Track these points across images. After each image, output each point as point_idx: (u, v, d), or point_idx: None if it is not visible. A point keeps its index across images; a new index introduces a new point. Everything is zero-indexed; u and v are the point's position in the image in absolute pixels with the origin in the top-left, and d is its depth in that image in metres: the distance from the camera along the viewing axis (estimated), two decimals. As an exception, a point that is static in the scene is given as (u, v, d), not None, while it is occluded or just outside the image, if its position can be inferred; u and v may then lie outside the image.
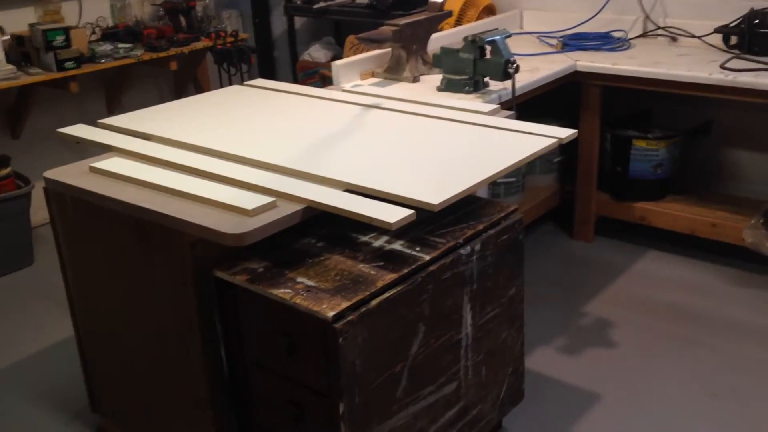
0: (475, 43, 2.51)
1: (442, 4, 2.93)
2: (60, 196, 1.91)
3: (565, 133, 2.02)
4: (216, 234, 1.57)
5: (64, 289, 2.07)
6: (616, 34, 3.29)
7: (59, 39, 3.36)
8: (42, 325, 2.91)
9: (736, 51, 2.95)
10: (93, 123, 2.23)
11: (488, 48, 2.53)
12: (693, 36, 3.16)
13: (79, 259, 1.98)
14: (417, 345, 1.66)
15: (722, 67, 2.78)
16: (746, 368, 2.48)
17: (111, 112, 3.94)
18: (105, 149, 2.06)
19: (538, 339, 2.63)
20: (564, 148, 2.01)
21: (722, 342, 2.62)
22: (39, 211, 3.43)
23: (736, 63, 2.80)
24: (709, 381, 2.43)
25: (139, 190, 1.77)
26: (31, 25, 3.43)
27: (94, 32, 3.78)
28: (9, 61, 3.37)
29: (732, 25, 2.98)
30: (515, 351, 2.01)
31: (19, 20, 3.53)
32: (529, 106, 2.70)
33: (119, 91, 3.97)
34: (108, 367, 2.07)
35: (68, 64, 3.39)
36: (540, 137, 2.01)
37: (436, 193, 1.64)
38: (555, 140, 1.98)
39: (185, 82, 4.29)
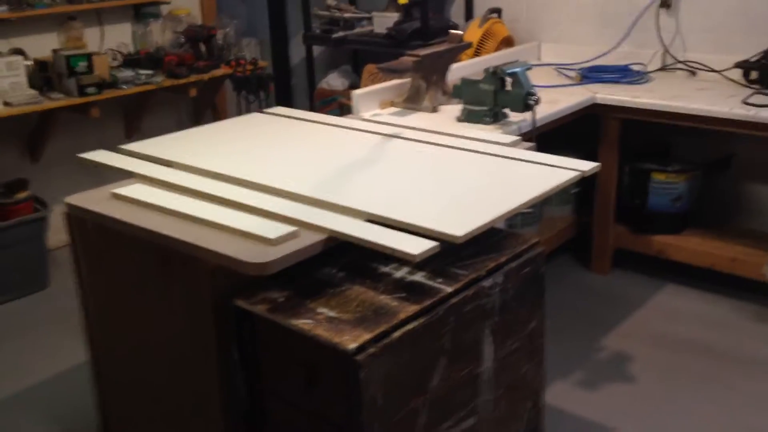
0: (496, 75, 2.52)
1: (461, 35, 2.95)
2: (81, 221, 1.91)
3: (588, 165, 2.01)
4: (237, 263, 1.56)
5: (79, 313, 2.06)
6: (635, 68, 3.30)
7: (82, 65, 3.40)
8: (55, 349, 2.90)
9: (757, 86, 2.94)
10: (112, 147, 2.24)
11: (509, 80, 2.54)
12: (712, 70, 3.16)
13: (98, 285, 1.97)
14: (437, 378, 1.63)
15: (744, 102, 2.77)
16: (767, 407, 2.44)
17: (129, 137, 3.97)
18: (125, 175, 2.06)
19: (555, 372, 2.59)
20: (581, 180, 2.00)
21: (743, 380, 2.58)
22: (55, 235, 3.45)
23: (757, 98, 2.79)
24: (729, 420, 2.39)
25: (160, 217, 1.77)
26: (54, 51, 3.47)
27: (115, 58, 3.82)
28: (31, 85, 3.41)
29: (752, 60, 2.98)
30: (535, 385, 1.98)
31: (42, 46, 3.57)
32: (547, 138, 2.69)
33: (138, 116, 4.00)
34: (121, 394, 2.05)
35: (90, 90, 3.42)
36: (562, 170, 1.99)
37: (460, 224, 1.63)
38: (578, 173, 1.97)
39: (204, 108, 4.32)
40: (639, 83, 3.18)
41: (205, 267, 1.62)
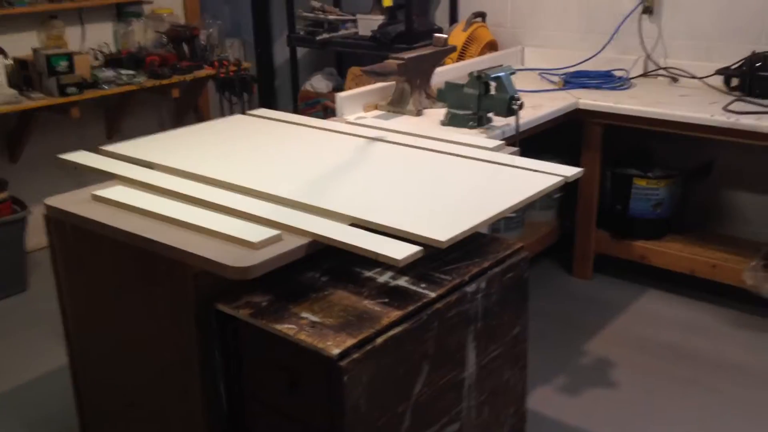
0: (480, 79, 2.52)
1: (446, 39, 2.95)
2: (60, 223, 1.88)
3: (571, 171, 2.01)
4: (220, 267, 1.55)
5: (59, 316, 2.03)
6: (618, 73, 3.32)
7: (62, 64, 3.36)
8: (34, 353, 2.86)
9: (738, 93, 2.97)
10: (92, 148, 2.21)
11: (493, 84, 2.54)
12: (694, 77, 3.19)
13: (78, 288, 1.95)
14: (421, 384, 1.63)
15: (725, 109, 2.79)
16: (747, 411, 2.45)
17: (110, 138, 3.93)
18: (106, 177, 2.04)
19: (538, 378, 2.60)
20: (564, 185, 2.00)
21: (723, 384, 2.59)
22: (34, 237, 3.40)
23: (737, 105, 2.82)
24: (710, 424, 2.40)
25: (141, 220, 1.75)
26: (35, 50, 3.43)
27: (97, 58, 3.78)
28: (11, 85, 3.36)
29: (733, 67, 3.00)
30: (518, 391, 1.98)
31: (23, 44, 3.53)
32: (529, 142, 2.70)
33: (119, 117, 3.96)
34: (102, 398, 2.03)
35: (70, 90, 3.38)
36: (545, 175, 2.00)
37: (444, 229, 1.63)
38: (561, 178, 1.97)
39: (186, 109, 4.29)
40: (621, 89, 3.20)
41: (187, 271, 1.60)
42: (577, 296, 3.24)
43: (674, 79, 3.27)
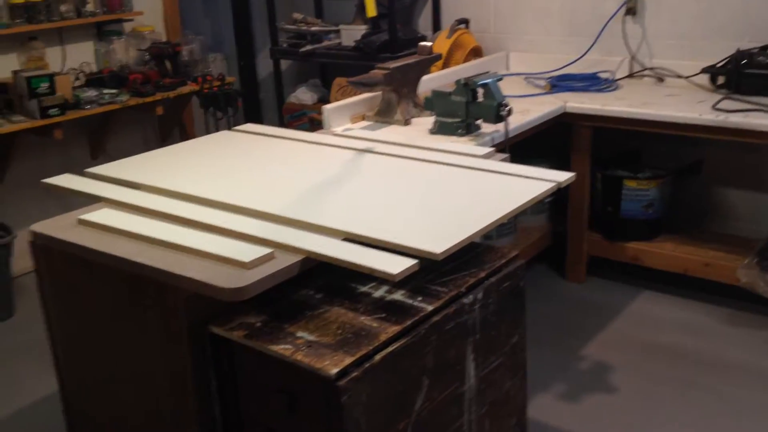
0: (467, 87, 2.50)
1: (431, 47, 2.93)
2: (47, 249, 1.84)
3: (563, 176, 2.00)
4: (212, 288, 1.51)
5: (47, 343, 1.99)
6: (603, 75, 3.31)
7: (43, 86, 3.31)
8: (22, 380, 2.80)
9: (724, 91, 2.97)
10: (77, 169, 2.18)
11: (480, 91, 2.52)
12: (680, 76, 3.18)
13: (67, 314, 1.91)
14: (421, 400, 1.60)
15: (713, 107, 2.79)
16: (746, 411, 2.44)
17: (95, 158, 3.88)
18: (92, 199, 2.00)
19: (537, 384, 2.57)
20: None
21: (721, 384, 2.58)
22: (20, 261, 3.35)
23: (725, 103, 2.82)
24: (710, 425, 2.39)
25: (130, 243, 1.71)
26: (15, 72, 3.38)
27: (78, 78, 3.74)
28: (-9, 108, 3.32)
29: (719, 65, 3.00)
30: (518, 401, 1.95)
31: (3, 67, 3.48)
32: (518, 147, 2.69)
33: (104, 137, 3.92)
34: (94, 426, 1.98)
35: (52, 111, 3.33)
36: (537, 181, 1.98)
37: (438, 241, 1.60)
38: (554, 184, 1.95)
39: (171, 126, 4.25)
40: (608, 91, 3.19)
41: (178, 294, 1.57)
42: (572, 300, 3.23)
43: (660, 79, 3.27)
